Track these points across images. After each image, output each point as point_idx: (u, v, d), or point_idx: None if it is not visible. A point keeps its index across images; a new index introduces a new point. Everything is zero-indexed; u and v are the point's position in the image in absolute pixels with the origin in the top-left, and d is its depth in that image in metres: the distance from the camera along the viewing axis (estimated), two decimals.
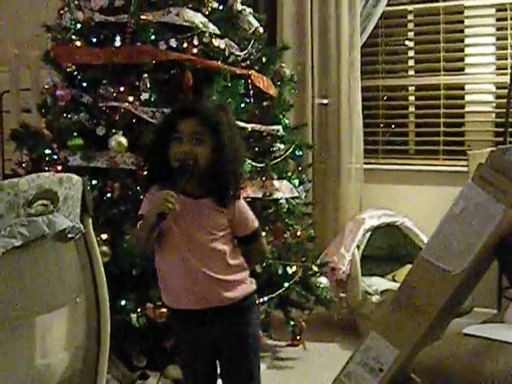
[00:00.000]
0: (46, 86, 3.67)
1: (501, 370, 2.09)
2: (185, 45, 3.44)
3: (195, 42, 3.46)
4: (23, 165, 3.59)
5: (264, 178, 3.69)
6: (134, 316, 3.16)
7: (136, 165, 3.29)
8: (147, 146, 2.63)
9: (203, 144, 2.20)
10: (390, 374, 2.62)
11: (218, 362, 2.37)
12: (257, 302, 2.44)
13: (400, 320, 2.65)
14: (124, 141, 3.31)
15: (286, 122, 4.08)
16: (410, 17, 4.94)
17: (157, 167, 2.28)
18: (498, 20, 4.64)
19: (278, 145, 3.92)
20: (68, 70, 3.55)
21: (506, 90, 4.27)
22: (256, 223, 2.38)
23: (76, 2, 3.63)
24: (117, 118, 3.36)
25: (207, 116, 2.24)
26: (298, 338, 4.12)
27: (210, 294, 2.21)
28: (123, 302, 3.18)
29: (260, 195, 3.64)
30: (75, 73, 3.55)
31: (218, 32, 3.60)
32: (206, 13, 3.60)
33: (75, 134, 3.40)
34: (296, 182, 4.03)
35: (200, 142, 2.20)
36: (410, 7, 4.90)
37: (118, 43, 3.45)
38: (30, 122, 3.76)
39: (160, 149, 2.24)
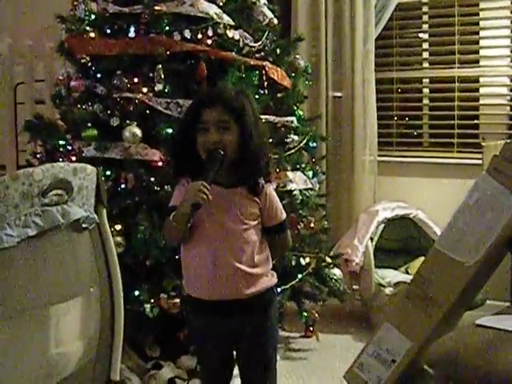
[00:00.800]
0: (60, 77, 3.68)
1: None
2: (199, 36, 3.44)
3: (209, 32, 3.46)
4: (37, 156, 3.61)
5: (278, 170, 3.68)
6: (147, 306, 3.17)
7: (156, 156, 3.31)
8: (172, 139, 2.61)
9: (230, 131, 2.18)
10: (403, 366, 2.62)
11: (235, 352, 2.37)
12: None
13: (413, 312, 2.65)
14: (138, 132, 3.31)
15: (300, 113, 4.07)
16: (425, 9, 4.91)
17: (185, 159, 2.26)
18: None
19: (292, 136, 3.91)
20: (82, 60, 3.56)
21: None
22: (284, 215, 2.36)
23: None
24: (131, 108, 3.36)
25: (231, 102, 2.21)
26: (311, 329, 4.12)
27: (233, 286, 2.19)
28: (137, 293, 3.19)
29: (274, 186, 3.63)
30: (89, 64, 3.56)
31: (232, 23, 3.59)
32: (221, 4, 3.59)
33: (89, 124, 3.41)
34: (310, 173, 4.02)
35: (226, 130, 2.18)
36: None
37: (132, 34, 3.46)
38: (44, 113, 3.77)
39: (186, 140, 2.22)
